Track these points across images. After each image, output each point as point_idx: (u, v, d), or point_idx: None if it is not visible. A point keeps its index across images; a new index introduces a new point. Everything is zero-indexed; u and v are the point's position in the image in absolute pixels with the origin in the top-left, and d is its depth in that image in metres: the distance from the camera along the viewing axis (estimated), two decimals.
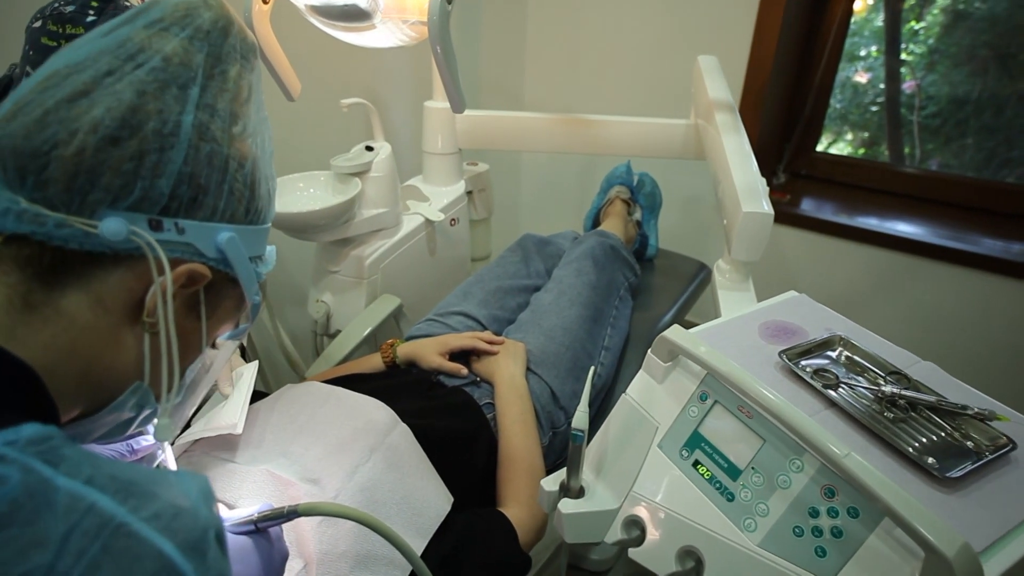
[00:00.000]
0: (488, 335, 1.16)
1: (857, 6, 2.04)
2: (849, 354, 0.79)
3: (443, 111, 1.62)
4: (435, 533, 0.79)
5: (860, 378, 0.76)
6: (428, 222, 1.58)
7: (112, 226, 0.41)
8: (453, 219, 1.68)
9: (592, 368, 0.79)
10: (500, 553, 0.83)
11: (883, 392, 0.72)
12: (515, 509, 0.91)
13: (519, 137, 1.66)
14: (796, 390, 0.73)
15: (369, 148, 1.46)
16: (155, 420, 0.51)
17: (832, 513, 0.61)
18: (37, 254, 0.41)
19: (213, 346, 0.58)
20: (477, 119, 1.63)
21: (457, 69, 0.80)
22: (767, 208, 1.09)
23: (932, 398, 0.71)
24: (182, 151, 0.43)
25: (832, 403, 0.71)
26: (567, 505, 0.76)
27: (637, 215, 1.78)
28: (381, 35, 0.90)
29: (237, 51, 0.49)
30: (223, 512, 0.63)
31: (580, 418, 0.73)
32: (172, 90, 0.43)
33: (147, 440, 0.69)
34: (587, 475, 0.82)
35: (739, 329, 0.84)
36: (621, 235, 1.58)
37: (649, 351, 0.81)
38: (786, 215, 2.08)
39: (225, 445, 0.83)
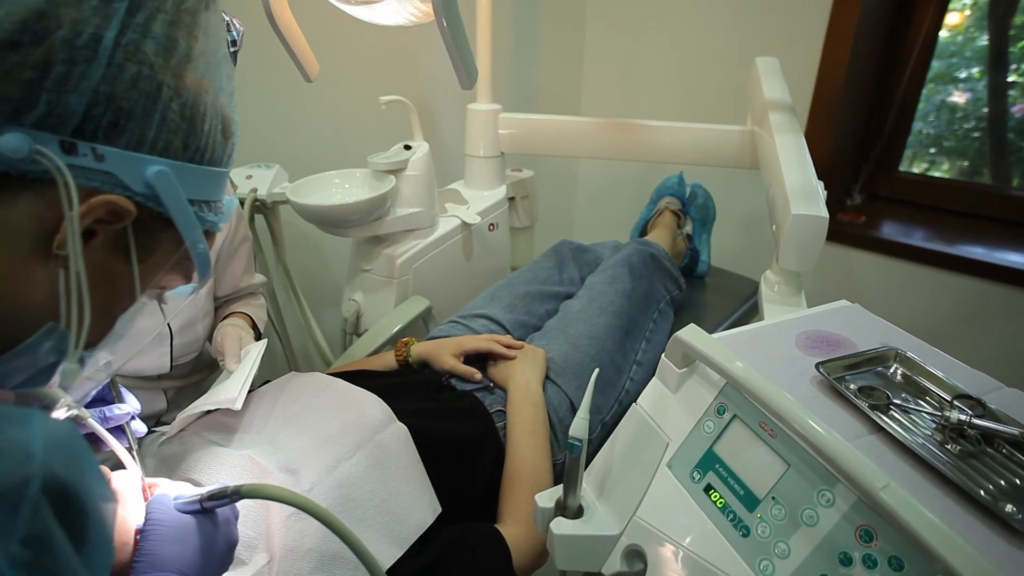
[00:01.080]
0: (507, 339, 1.09)
1: (953, 20, 1.86)
2: (907, 372, 0.67)
3: (486, 113, 1.58)
4: (415, 543, 0.72)
5: (920, 401, 0.64)
6: (465, 225, 1.54)
7: (11, 142, 0.37)
8: (492, 224, 1.63)
9: (596, 369, 0.70)
10: (486, 573, 0.75)
11: (948, 419, 0.59)
12: (513, 527, 0.82)
13: (562, 142, 1.60)
14: (834, 409, 0.62)
15: (407, 147, 1.44)
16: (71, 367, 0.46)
17: (869, 562, 0.50)
18: None
19: (161, 299, 0.54)
20: (519, 122, 1.58)
21: (466, 42, 0.75)
22: (821, 211, 0.97)
23: (1016, 431, 0.57)
24: (100, 68, 0.40)
25: (879, 427, 0.59)
26: (561, 525, 0.67)
27: (688, 228, 1.67)
28: (389, 10, 0.87)
29: None
30: (175, 489, 0.59)
31: (579, 425, 0.65)
32: (91, 1, 0.40)
33: (120, 409, 0.66)
34: (588, 493, 0.72)
35: (773, 336, 0.73)
36: (667, 247, 1.47)
37: (663, 355, 0.72)
38: (862, 238, 1.89)
39: (217, 427, 0.80)
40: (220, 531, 0.58)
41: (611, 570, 0.67)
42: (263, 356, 0.86)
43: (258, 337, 1.03)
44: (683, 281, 1.42)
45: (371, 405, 0.84)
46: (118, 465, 0.60)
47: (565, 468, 0.67)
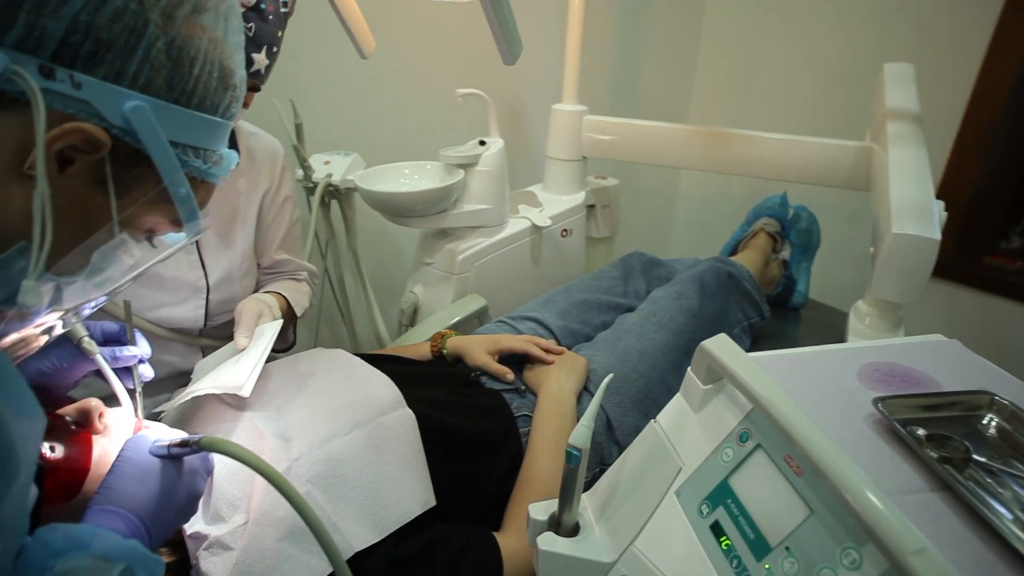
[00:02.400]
0: (547, 342, 1.02)
1: None
2: (1004, 424, 0.52)
3: (570, 114, 1.53)
4: (397, 533, 0.67)
5: (1017, 463, 0.49)
6: (535, 228, 1.49)
7: None
8: (565, 230, 1.56)
9: (610, 375, 0.62)
10: None
11: None
12: (512, 538, 0.75)
13: (649, 149, 1.50)
14: (888, 455, 0.49)
15: (482, 143, 1.42)
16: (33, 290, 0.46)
17: None
18: None
19: (151, 242, 0.53)
20: (604, 125, 1.51)
21: (510, 15, 0.70)
22: (931, 233, 0.81)
23: None
24: None
25: (945, 486, 0.46)
26: (549, 541, 0.60)
27: (785, 253, 1.50)
28: None
29: None
30: (160, 435, 0.59)
31: (580, 434, 0.57)
32: None
33: (129, 351, 0.68)
34: (589, 512, 0.64)
35: (831, 363, 0.60)
36: (754, 270, 1.32)
37: (689, 368, 0.62)
38: (1015, 287, 1.61)
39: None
40: (183, 480, 0.56)
41: None
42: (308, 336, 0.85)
43: (293, 322, 1.03)
44: (767, 308, 1.26)
45: (381, 387, 0.81)
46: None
47: (562, 479, 0.59)
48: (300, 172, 1.45)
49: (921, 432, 0.50)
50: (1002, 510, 0.43)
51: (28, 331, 0.51)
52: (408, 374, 0.93)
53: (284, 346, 1.06)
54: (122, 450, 0.55)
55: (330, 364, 0.86)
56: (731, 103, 2.12)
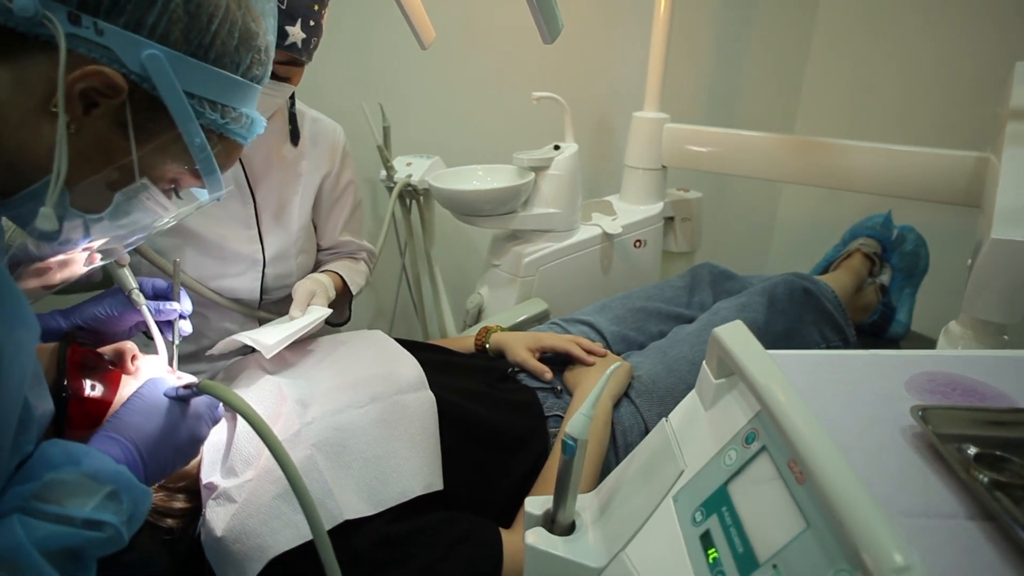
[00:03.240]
0: (592, 344, 0.97)
1: None
2: None
3: (650, 122, 1.48)
4: (395, 511, 0.66)
5: None
6: (605, 235, 1.45)
7: (23, 2, 0.43)
8: (638, 240, 1.50)
9: (619, 362, 0.57)
10: (462, 569, 0.65)
11: None
12: (519, 535, 0.71)
13: (734, 159, 1.41)
14: (923, 472, 0.41)
15: (557, 147, 1.41)
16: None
17: None
18: None
19: (177, 194, 0.57)
20: (685, 133, 1.45)
21: None
22: None
23: None
24: None
25: (990, 515, 0.37)
26: (536, 536, 0.56)
27: (884, 278, 1.34)
28: None
29: None
30: (178, 379, 0.62)
31: (579, 423, 0.54)
32: None
33: (170, 306, 0.73)
34: (589, 511, 0.59)
35: (876, 368, 0.52)
36: (842, 291, 1.19)
37: (704, 360, 0.56)
38: None
39: (277, 356, 0.84)
40: (187, 422, 0.59)
41: None
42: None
43: (348, 299, 1.06)
44: (852, 334, 1.13)
45: (406, 367, 0.81)
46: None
47: (557, 472, 0.55)
48: (384, 172, 1.52)
49: (972, 451, 0.41)
50: None
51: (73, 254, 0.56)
52: (442, 362, 0.92)
53: (340, 320, 1.10)
54: (139, 387, 0.59)
55: (365, 343, 0.88)
56: (843, 115, 1.95)
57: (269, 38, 0.55)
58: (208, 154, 0.53)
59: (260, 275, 0.93)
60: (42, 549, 0.43)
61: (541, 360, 0.97)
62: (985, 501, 0.37)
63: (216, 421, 0.64)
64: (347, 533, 0.62)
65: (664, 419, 0.59)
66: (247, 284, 0.92)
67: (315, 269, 1.02)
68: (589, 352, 0.95)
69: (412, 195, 1.50)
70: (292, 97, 0.93)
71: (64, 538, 0.45)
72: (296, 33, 0.78)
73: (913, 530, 0.37)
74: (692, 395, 0.57)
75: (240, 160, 0.89)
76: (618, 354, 1.04)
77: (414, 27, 0.86)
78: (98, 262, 0.61)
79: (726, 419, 0.51)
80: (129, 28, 0.46)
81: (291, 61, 0.80)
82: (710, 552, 0.44)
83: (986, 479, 0.39)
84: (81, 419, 0.58)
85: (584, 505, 0.60)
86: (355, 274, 1.04)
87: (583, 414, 0.54)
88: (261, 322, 0.97)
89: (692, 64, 1.87)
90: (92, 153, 0.49)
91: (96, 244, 0.56)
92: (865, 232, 1.39)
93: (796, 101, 2.06)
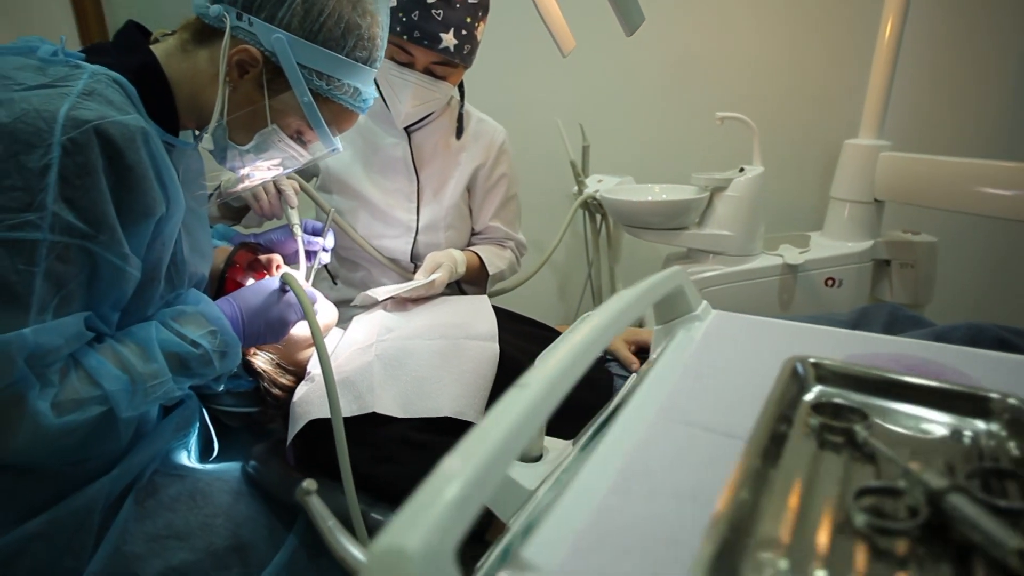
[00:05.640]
0: None
1: None
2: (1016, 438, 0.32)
3: (863, 149, 1.31)
4: (421, 421, 0.77)
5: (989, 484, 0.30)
6: (787, 267, 1.32)
7: (215, 9, 0.69)
8: (831, 279, 1.33)
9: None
10: None
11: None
12: None
13: (967, 195, 1.16)
14: (758, 399, 0.36)
15: (742, 170, 1.36)
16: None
17: None
18: (198, 25, 0.72)
19: (302, 142, 0.77)
20: (907, 162, 1.24)
21: None
22: None
23: None
24: None
25: (770, 447, 0.32)
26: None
27: None
28: None
29: None
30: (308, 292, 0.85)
31: None
32: None
33: (317, 240, 0.96)
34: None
35: (837, 340, 0.45)
36: None
37: None
38: None
39: (399, 302, 1.03)
40: (279, 306, 0.79)
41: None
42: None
43: (485, 276, 1.17)
44: None
45: (484, 322, 0.92)
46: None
47: None
48: (575, 188, 1.65)
49: (814, 394, 0.35)
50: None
51: (262, 169, 0.81)
52: (535, 335, 1.00)
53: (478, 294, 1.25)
54: (265, 280, 0.82)
55: (466, 302, 1.01)
56: None
57: (376, 30, 0.73)
58: (314, 110, 0.73)
59: (412, 240, 1.14)
60: (161, 346, 0.67)
61: (635, 354, 0.97)
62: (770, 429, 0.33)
63: (300, 316, 0.84)
64: (375, 422, 0.76)
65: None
66: (401, 246, 1.14)
67: (463, 249, 1.20)
68: None
69: (598, 209, 1.59)
70: (462, 100, 1.14)
71: (175, 345, 0.68)
72: (449, 39, 0.97)
73: (689, 437, 0.34)
74: None
75: (411, 148, 1.13)
76: None
77: (552, 34, 0.97)
78: (273, 193, 0.89)
79: None
80: (265, 20, 0.68)
81: (445, 62, 1.00)
82: None
83: (816, 422, 0.33)
84: (231, 290, 0.84)
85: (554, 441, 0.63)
86: (496, 258, 1.18)
87: None
88: (405, 281, 1.18)
89: (919, 89, 1.58)
90: (243, 103, 0.72)
91: (258, 176, 0.81)
92: None
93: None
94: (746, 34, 1.71)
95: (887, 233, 1.38)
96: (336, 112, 0.76)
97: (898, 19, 1.25)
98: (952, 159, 1.19)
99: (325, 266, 1.15)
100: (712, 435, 0.35)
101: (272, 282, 0.81)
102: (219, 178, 0.85)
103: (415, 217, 1.14)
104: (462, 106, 1.14)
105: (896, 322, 1.04)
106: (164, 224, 0.67)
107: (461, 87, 1.13)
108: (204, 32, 0.71)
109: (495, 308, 1.01)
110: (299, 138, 0.77)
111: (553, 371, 0.32)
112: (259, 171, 0.80)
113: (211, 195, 0.93)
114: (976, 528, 0.24)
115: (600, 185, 1.60)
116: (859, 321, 1.05)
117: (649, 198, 1.39)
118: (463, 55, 1.00)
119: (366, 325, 0.95)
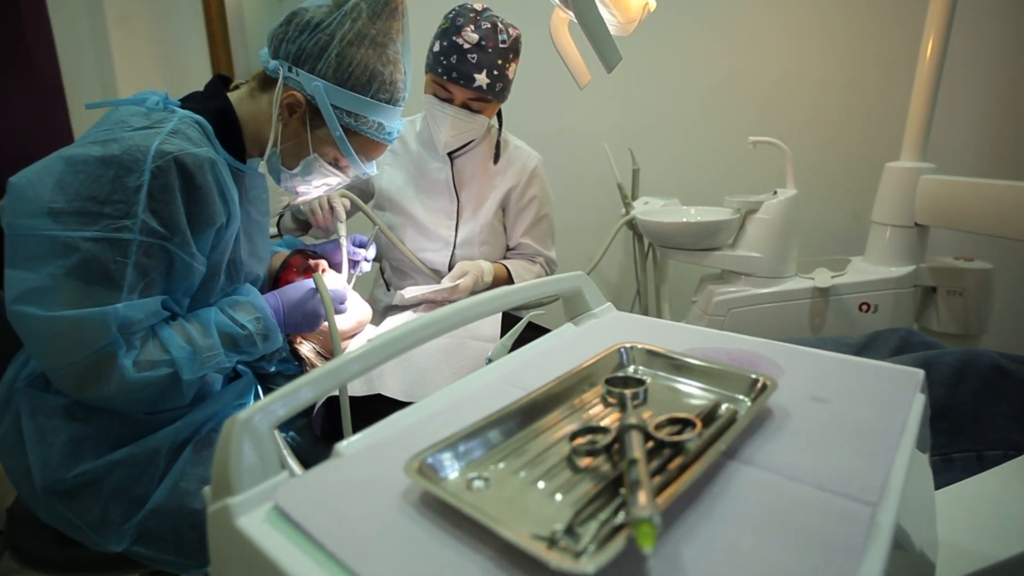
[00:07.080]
0: None
1: None
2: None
3: (904, 172, 1.29)
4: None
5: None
6: (818, 291, 1.32)
7: (273, 64, 0.88)
8: (865, 304, 1.31)
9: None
10: None
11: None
12: None
13: (1011, 219, 1.11)
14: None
15: (775, 193, 1.38)
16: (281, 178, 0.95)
17: None
18: (262, 75, 0.92)
19: (339, 168, 0.95)
20: (948, 185, 1.21)
21: (602, 26, 0.76)
22: None
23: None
24: (310, 38, 0.85)
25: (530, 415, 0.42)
26: None
27: None
28: None
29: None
30: (338, 288, 1.02)
31: (499, 348, 0.71)
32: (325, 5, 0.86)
33: (359, 250, 1.14)
34: None
35: (673, 334, 0.53)
36: None
37: None
38: None
39: (427, 306, 1.19)
40: (313, 302, 0.96)
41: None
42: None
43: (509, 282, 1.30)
44: None
45: (489, 325, 1.04)
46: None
47: None
48: (623, 209, 1.73)
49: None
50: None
51: (309, 189, 1.00)
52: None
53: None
54: (306, 280, 1.00)
55: None
56: None
57: (398, 76, 0.89)
58: (345, 142, 0.90)
59: (450, 253, 1.29)
60: (217, 327, 0.86)
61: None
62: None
63: (342, 301, 1.00)
64: (379, 401, 0.90)
65: None
66: (440, 258, 1.29)
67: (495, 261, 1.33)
68: None
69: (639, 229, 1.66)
70: (500, 129, 1.28)
71: (227, 327, 0.86)
72: (482, 79, 1.12)
73: (502, 392, 0.45)
74: None
75: (452, 172, 1.28)
76: None
77: (570, 69, 1.08)
78: (327, 209, 1.08)
79: None
80: (308, 71, 0.87)
81: (479, 98, 1.15)
82: None
83: (605, 388, 0.43)
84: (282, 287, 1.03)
85: None
86: (524, 271, 1.30)
87: (503, 344, 0.69)
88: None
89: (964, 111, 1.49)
90: (291, 137, 0.91)
91: (309, 194, 1.00)
92: None
93: None
94: (807, 57, 1.72)
95: (932, 259, 1.34)
96: (364, 143, 0.92)
97: (940, 40, 1.23)
98: (994, 182, 1.15)
99: (382, 275, 1.34)
100: (516, 390, 0.45)
101: (310, 282, 0.98)
102: (287, 199, 1.05)
103: (454, 233, 1.29)
104: (500, 134, 1.28)
105: (907, 347, 1.04)
106: (224, 232, 0.86)
107: (500, 116, 1.27)
108: (266, 81, 0.91)
109: (511, 316, 1.12)
110: (336, 164, 0.95)
111: (405, 328, 0.44)
112: (308, 189, 0.98)
113: (282, 210, 1.14)
114: (625, 449, 0.33)
115: (646, 207, 1.67)
116: (867, 344, 1.05)
117: (682, 219, 1.45)
118: (495, 92, 1.15)
119: (393, 322, 1.10)
